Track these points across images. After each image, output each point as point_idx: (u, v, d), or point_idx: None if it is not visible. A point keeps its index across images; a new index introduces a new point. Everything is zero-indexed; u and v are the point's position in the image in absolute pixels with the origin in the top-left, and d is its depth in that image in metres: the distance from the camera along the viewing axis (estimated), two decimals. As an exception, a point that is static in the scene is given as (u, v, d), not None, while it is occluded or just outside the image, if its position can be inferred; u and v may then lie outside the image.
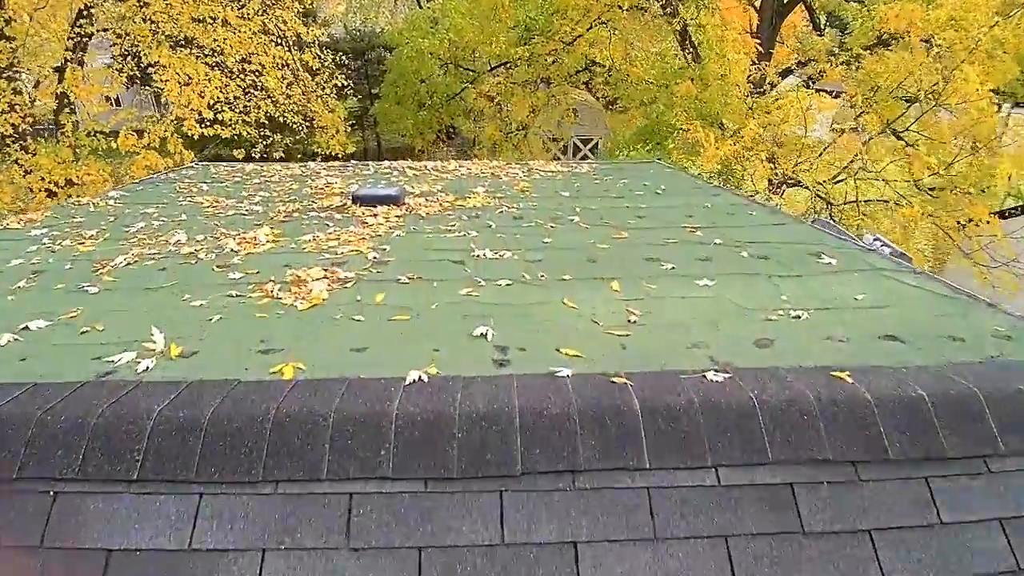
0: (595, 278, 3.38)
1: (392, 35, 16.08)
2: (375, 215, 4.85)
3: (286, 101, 15.36)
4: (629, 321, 2.80)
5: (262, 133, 15.30)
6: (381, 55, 20.26)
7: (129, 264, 3.70)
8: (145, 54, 11.98)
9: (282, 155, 16.53)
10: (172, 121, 12.72)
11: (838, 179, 11.77)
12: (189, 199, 5.65)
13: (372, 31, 21.25)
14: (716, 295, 3.13)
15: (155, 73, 12.07)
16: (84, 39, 12.87)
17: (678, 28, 14.83)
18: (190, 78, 12.42)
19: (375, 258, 3.72)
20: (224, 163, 7.52)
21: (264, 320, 2.82)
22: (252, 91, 14.53)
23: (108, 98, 19.69)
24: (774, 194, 13.31)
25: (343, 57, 20.87)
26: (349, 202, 5.22)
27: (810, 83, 15.36)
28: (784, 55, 16.97)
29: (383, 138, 22.37)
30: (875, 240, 7.16)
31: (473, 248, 3.92)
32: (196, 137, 13.52)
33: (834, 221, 11.89)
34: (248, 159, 16.13)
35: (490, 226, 4.51)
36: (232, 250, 3.94)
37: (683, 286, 3.27)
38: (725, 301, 3.05)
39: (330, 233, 4.32)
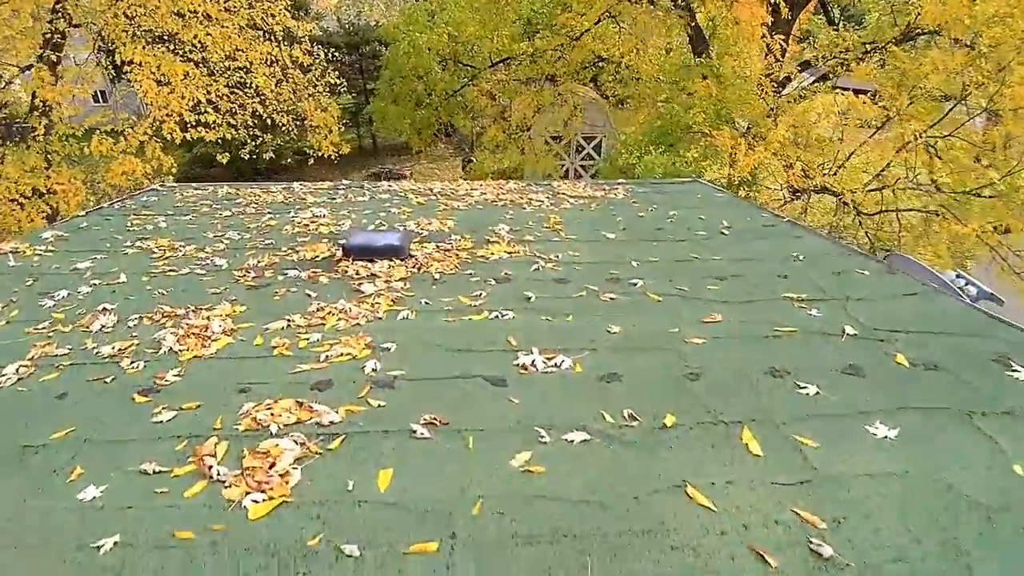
0: (711, 421, 2.14)
1: (388, 29, 14.67)
2: (372, 276, 3.58)
3: (276, 100, 13.96)
4: (810, 548, 1.57)
5: (251, 133, 13.91)
6: (376, 49, 18.83)
7: (16, 383, 2.44)
8: (119, 51, 10.57)
9: (272, 155, 15.19)
10: (150, 124, 11.33)
11: (871, 187, 10.54)
12: (140, 242, 4.36)
13: (367, 24, 19.76)
14: (914, 465, 1.91)
15: (130, 72, 10.66)
16: (57, 36, 11.44)
17: (690, 23, 13.52)
18: (168, 78, 11.03)
19: (373, 374, 2.47)
20: (195, 186, 6.20)
21: (189, 547, 1.57)
22: (239, 89, 13.15)
23: (95, 95, 18.18)
24: (794, 200, 12.10)
25: (335, 53, 19.45)
26: (339, 253, 3.94)
27: (826, 79, 14.09)
28: (796, 51, 15.69)
29: (378, 136, 20.96)
30: (958, 277, 5.91)
31: (513, 345, 2.68)
32: (179, 142, 12.15)
33: (869, 237, 10.70)
34: (237, 161, 14.79)
35: (528, 298, 3.25)
36: (170, 351, 2.67)
37: (855, 438, 2.04)
38: (936, 479, 1.83)
39: (312, 313, 3.06)
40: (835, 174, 11.00)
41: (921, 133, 10.30)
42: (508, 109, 14.29)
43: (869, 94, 10.97)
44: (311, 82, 14.54)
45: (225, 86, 12.68)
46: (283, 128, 13.84)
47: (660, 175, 12.68)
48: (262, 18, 12.64)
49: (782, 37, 12.50)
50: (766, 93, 11.65)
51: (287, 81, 14.23)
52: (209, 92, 11.77)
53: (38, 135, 11.00)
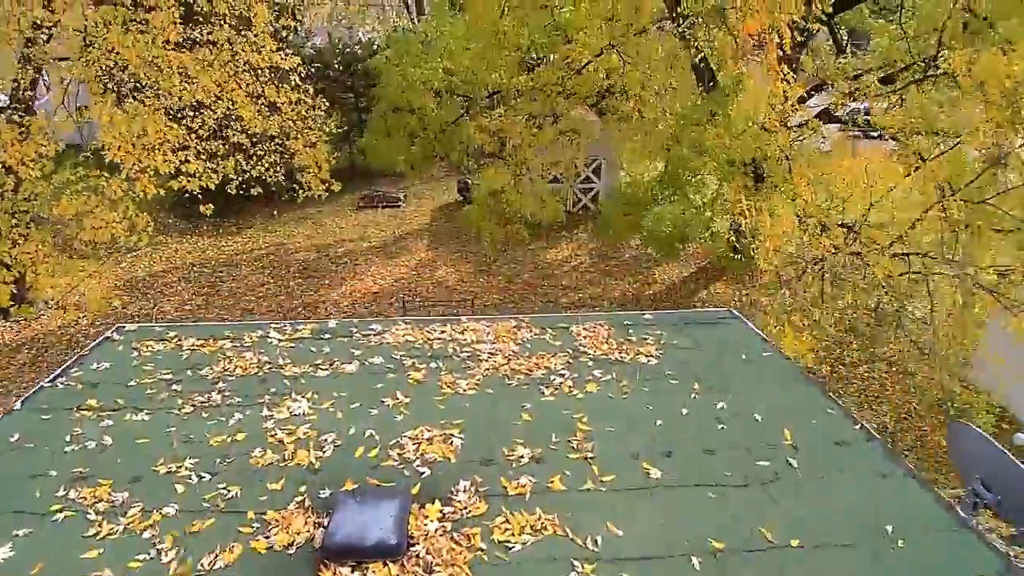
0: None
1: (379, 62, 13.40)
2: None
3: (263, 133, 12.79)
4: None
5: (238, 168, 12.72)
6: (368, 67, 17.53)
7: None
8: (90, 109, 9.38)
9: (260, 191, 14.00)
10: (123, 181, 10.15)
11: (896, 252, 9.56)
12: (74, 489, 3.36)
13: (358, 40, 18.36)
14: None
15: (100, 132, 9.47)
16: (24, 92, 10.22)
17: (694, 55, 12.38)
18: (144, 131, 9.84)
19: None
20: (158, 330, 5.16)
21: None
22: (224, 124, 11.98)
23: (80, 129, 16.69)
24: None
25: (328, 71, 18.11)
26: (318, 539, 2.97)
27: (835, 120, 13.03)
28: (799, 88, 14.55)
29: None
30: None
31: None
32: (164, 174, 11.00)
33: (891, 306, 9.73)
34: (222, 194, 13.58)
35: None
36: None
37: None
38: None
39: None
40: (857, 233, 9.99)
41: (953, 191, 9.33)
42: (507, 146, 13.17)
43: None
44: (300, 115, 13.35)
45: (209, 126, 11.53)
46: (270, 167, 12.70)
47: (669, 226, 11.69)
48: (245, 61, 11.39)
49: (791, 74, 11.38)
50: (784, 143, 10.57)
51: (276, 115, 13.04)
52: (189, 143, 10.60)
53: (5, 192, 9.89)
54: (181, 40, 9.65)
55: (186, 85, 9.92)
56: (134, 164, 9.67)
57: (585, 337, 4.99)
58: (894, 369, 12.38)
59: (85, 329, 13.03)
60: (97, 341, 4.99)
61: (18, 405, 4.14)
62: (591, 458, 3.62)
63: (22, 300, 11.65)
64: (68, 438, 3.80)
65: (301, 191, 13.46)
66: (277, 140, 13.06)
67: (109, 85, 9.72)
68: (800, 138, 11.00)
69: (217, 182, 11.37)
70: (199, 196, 11.16)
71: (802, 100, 12.82)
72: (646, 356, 4.72)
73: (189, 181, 11.22)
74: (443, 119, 13.33)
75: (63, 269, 10.96)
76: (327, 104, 13.56)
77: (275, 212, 17.65)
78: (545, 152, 12.92)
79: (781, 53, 12.58)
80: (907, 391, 11.66)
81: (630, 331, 5.13)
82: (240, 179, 12.96)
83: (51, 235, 10.14)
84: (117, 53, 9.21)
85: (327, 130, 13.55)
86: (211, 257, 15.97)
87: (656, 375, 4.49)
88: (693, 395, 4.24)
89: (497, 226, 12.07)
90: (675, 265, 15.29)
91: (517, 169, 12.68)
